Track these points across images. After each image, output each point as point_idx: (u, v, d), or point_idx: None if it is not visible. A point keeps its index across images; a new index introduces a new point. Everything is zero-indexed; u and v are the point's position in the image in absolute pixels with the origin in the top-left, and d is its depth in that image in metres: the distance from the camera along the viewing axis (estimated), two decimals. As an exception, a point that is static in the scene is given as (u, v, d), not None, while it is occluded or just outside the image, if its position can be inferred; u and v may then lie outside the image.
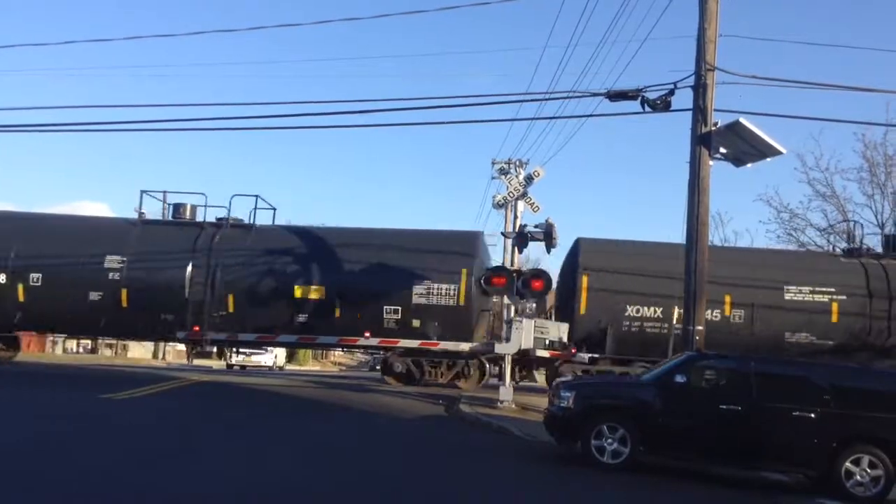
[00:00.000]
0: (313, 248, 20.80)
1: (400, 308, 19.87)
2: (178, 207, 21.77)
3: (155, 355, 46.33)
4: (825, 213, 29.87)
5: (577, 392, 10.60)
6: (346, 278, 20.12)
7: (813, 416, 9.83)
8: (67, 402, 13.85)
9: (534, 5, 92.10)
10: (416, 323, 19.91)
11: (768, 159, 13.79)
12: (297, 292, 20.06)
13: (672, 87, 13.49)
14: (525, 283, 16.08)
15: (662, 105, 13.55)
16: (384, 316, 19.91)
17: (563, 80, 55.70)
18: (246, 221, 21.55)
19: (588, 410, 10.38)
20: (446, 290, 19.82)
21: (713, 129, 13.35)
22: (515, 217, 17.05)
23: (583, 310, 19.45)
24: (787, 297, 19.26)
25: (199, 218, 21.52)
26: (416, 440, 12.29)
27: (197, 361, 42.03)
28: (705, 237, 13.76)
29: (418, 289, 19.83)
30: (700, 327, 13.26)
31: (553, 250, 16.62)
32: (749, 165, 14.02)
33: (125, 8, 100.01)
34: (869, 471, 9.64)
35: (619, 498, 9.00)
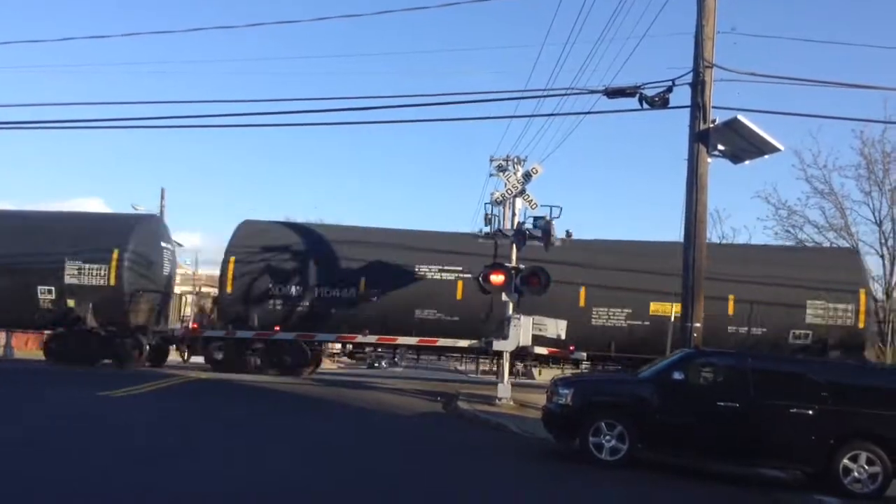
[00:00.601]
0: None
1: (54, 288, 20.68)
2: None
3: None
4: (823, 210, 29.91)
5: (576, 389, 10.64)
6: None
7: (811, 412, 9.86)
8: (66, 401, 13.84)
9: (532, 2, 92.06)
10: (71, 303, 20.68)
11: (766, 156, 13.81)
12: None
13: (670, 84, 13.48)
14: (524, 281, 16.08)
15: (661, 102, 13.54)
16: (39, 296, 20.73)
17: (561, 76, 55.83)
18: None
19: (586, 407, 10.41)
20: (97, 270, 20.55)
21: (711, 126, 13.35)
22: (514, 214, 17.01)
23: (230, 289, 20.65)
24: (418, 275, 20.18)
25: None
26: (414, 438, 12.31)
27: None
28: (703, 234, 13.76)
29: (71, 269, 20.59)
30: (698, 324, 13.25)
31: (551, 248, 16.53)
32: (747, 162, 14.03)
33: (123, 5, 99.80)
34: (866, 467, 9.67)
35: (617, 495, 9.01)
